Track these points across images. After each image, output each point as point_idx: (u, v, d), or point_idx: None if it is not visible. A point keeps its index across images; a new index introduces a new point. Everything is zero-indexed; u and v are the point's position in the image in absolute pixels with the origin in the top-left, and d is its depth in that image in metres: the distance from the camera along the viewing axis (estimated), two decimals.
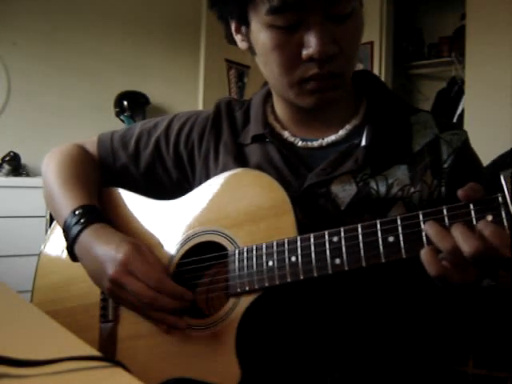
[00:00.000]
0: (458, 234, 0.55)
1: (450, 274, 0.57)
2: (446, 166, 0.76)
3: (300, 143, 0.81)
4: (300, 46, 0.69)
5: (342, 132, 0.80)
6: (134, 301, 0.72)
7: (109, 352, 0.80)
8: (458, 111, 3.54)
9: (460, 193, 0.56)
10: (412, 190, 0.74)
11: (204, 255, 0.76)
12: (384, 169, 0.75)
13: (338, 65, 0.71)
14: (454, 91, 3.76)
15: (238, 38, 0.80)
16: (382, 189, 0.74)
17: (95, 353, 0.54)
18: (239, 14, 0.73)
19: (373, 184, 0.74)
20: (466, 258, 0.55)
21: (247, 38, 0.77)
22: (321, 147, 0.80)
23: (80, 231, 0.78)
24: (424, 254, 0.57)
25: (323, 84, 0.72)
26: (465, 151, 0.77)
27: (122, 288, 0.72)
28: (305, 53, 0.69)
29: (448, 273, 0.57)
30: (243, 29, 0.76)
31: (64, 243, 0.83)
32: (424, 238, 0.58)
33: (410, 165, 0.75)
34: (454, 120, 3.52)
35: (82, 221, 0.79)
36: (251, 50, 0.78)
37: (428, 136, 0.78)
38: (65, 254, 0.87)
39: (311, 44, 0.68)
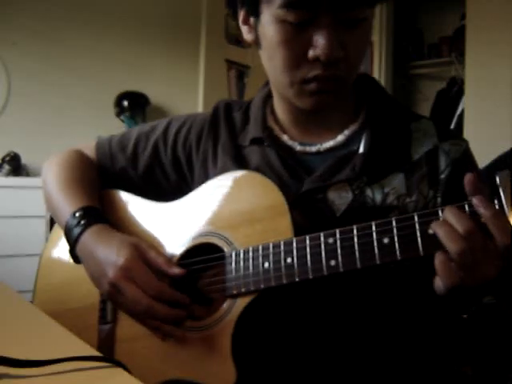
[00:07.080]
0: (451, 215, 0.57)
1: (459, 276, 0.56)
2: (443, 176, 0.75)
3: (298, 147, 0.81)
4: (307, 45, 0.69)
5: (340, 137, 0.79)
6: (131, 306, 0.72)
7: (107, 353, 0.79)
8: (458, 111, 3.54)
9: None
10: (408, 199, 0.73)
11: (202, 257, 0.76)
12: (381, 177, 0.74)
13: (341, 69, 0.71)
14: (453, 91, 3.76)
15: (244, 29, 0.79)
16: (378, 197, 0.73)
17: (95, 353, 0.54)
18: (251, 3, 0.73)
19: (369, 192, 0.74)
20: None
21: (255, 29, 0.76)
22: (318, 152, 0.80)
23: (81, 233, 0.79)
24: (438, 261, 0.57)
25: (324, 86, 0.71)
26: (463, 162, 0.76)
27: (120, 292, 0.72)
28: (311, 53, 0.69)
29: (458, 276, 0.56)
30: (252, 20, 0.76)
31: (65, 245, 0.83)
32: (419, 239, 0.58)
33: (407, 173, 0.75)
34: (454, 120, 3.52)
35: (82, 222, 0.79)
36: (257, 42, 0.77)
37: (427, 145, 0.76)
38: (66, 256, 0.87)
39: (319, 45, 0.67)
